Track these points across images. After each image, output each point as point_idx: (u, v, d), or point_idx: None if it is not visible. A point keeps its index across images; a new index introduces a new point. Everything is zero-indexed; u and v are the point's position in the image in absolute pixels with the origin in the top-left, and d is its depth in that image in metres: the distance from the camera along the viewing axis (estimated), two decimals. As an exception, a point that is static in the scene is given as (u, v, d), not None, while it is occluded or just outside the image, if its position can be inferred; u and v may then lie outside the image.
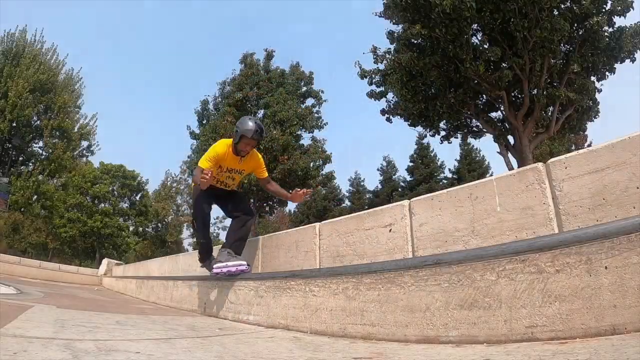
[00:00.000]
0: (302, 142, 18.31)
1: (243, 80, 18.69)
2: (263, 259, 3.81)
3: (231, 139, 3.50)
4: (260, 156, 3.80)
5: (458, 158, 31.01)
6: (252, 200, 18.33)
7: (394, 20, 12.12)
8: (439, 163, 31.56)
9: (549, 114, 11.63)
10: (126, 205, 30.00)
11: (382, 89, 13.77)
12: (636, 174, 1.41)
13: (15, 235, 22.11)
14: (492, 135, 12.59)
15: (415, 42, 11.64)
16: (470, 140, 16.57)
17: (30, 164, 20.33)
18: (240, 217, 3.65)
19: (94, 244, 26.97)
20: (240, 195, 3.93)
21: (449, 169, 31.38)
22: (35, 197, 19.63)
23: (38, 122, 20.19)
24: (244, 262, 3.45)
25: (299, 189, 3.64)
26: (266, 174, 3.80)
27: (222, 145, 3.52)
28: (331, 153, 17.91)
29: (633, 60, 10.86)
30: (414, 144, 31.19)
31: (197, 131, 18.88)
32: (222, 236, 36.65)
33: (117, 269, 13.00)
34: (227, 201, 3.79)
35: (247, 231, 3.69)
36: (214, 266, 3.49)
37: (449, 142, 14.35)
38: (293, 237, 3.45)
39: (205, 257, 3.78)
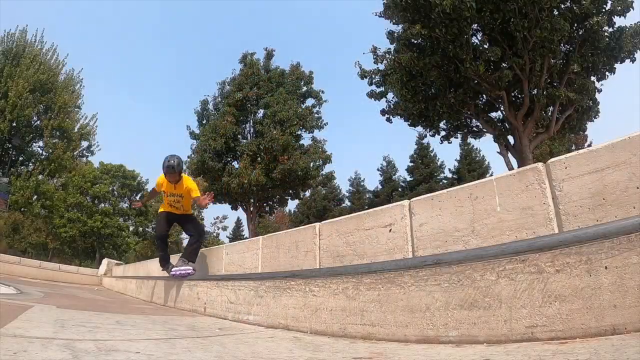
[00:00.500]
0: (302, 142, 18.32)
1: (243, 80, 18.68)
2: (263, 259, 3.81)
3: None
4: (191, 181, 4.93)
5: (458, 158, 31.04)
6: (252, 200, 18.33)
7: (394, 20, 12.12)
8: (439, 163, 31.58)
9: (549, 114, 11.63)
10: (126, 205, 29.99)
11: (382, 89, 13.77)
12: (636, 174, 1.41)
13: (15, 235, 22.10)
14: (492, 135, 12.59)
15: (415, 42, 11.63)
16: (470, 140, 16.58)
17: (30, 164, 20.33)
18: (194, 235, 4.93)
19: (94, 244, 26.97)
20: (194, 220, 5.29)
21: (449, 169, 31.43)
22: (35, 197, 19.62)
23: (38, 122, 20.19)
24: (190, 268, 4.61)
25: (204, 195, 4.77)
26: (197, 194, 4.77)
27: (161, 177, 4.73)
28: (331, 153, 17.92)
29: (633, 60, 10.86)
30: (414, 144, 31.25)
31: (197, 131, 18.87)
32: (222, 236, 36.77)
33: (117, 269, 13.00)
34: (185, 224, 5.11)
35: (198, 246, 4.95)
36: (172, 269, 4.74)
37: (449, 142, 14.35)
38: (293, 237, 3.45)
39: (164, 264, 5.02)
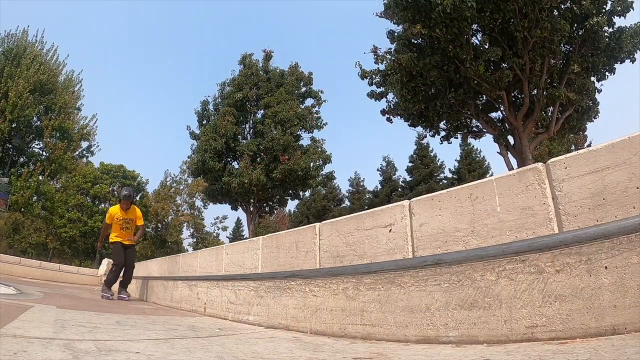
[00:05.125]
0: (301, 142, 18.34)
1: (242, 80, 18.71)
2: (263, 259, 3.81)
3: (118, 205, 6.09)
4: (138, 209, 6.36)
5: (458, 158, 31.05)
6: (252, 200, 18.34)
7: (394, 20, 12.12)
8: (438, 163, 31.58)
9: (549, 114, 11.63)
10: (126, 205, 29.92)
11: (382, 89, 13.77)
12: (636, 174, 1.41)
13: (15, 235, 22.12)
14: (492, 136, 12.59)
15: (415, 42, 11.63)
16: (470, 140, 16.58)
17: (31, 165, 20.32)
18: (129, 268, 6.02)
19: (94, 244, 26.98)
20: (134, 252, 6.32)
21: (449, 169, 31.43)
22: (35, 197, 19.63)
23: (38, 122, 20.18)
24: (111, 293, 5.72)
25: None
26: (141, 222, 6.33)
27: (115, 208, 6.17)
28: (331, 153, 17.94)
29: (633, 60, 10.85)
30: (414, 144, 31.28)
31: (197, 131, 18.89)
32: (222, 236, 36.71)
33: (117, 269, 12.98)
34: (129, 254, 6.04)
35: (130, 276, 6.11)
36: (103, 293, 5.77)
37: (449, 143, 14.33)
38: (293, 237, 3.45)
39: (109, 285, 5.85)
